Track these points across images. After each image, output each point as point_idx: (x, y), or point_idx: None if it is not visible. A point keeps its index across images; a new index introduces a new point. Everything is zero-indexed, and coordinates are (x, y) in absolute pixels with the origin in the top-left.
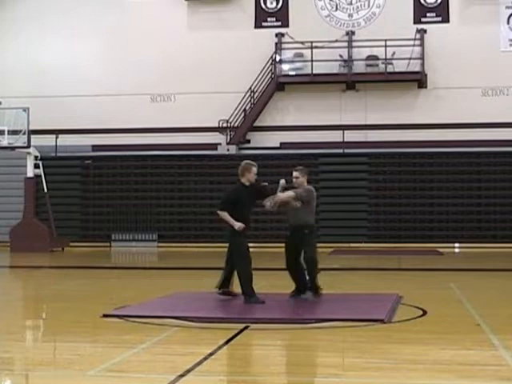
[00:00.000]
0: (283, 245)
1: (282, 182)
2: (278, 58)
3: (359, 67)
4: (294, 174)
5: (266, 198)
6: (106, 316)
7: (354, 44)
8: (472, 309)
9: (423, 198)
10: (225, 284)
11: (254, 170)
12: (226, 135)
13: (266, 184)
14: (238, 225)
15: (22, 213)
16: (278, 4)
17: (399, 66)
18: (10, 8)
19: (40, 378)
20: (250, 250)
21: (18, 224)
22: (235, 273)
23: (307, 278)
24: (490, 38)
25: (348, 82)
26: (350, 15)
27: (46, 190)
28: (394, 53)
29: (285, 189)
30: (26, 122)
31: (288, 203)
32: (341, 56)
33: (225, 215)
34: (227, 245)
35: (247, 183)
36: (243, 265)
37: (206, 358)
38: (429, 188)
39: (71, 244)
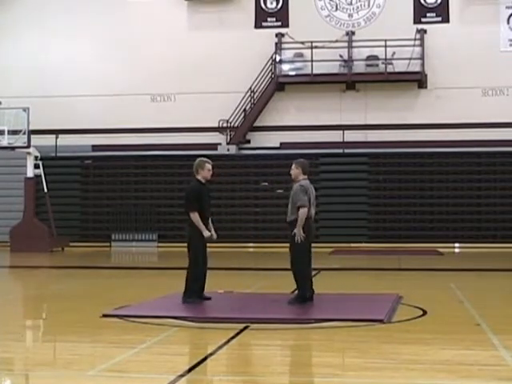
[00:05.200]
0: (282, 245)
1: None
2: (278, 58)
3: (359, 67)
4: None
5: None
6: (105, 316)
7: (354, 44)
8: (472, 309)
9: (423, 198)
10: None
11: (208, 166)
12: (226, 135)
13: (266, 184)
14: (207, 233)
15: (22, 213)
16: (277, 4)
17: (399, 66)
18: (10, 8)
19: (40, 378)
20: (251, 250)
21: (17, 224)
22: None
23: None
24: (490, 38)
25: (348, 81)
26: (350, 15)
27: (46, 190)
28: (394, 53)
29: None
30: (26, 121)
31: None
32: (341, 56)
33: (196, 217)
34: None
35: (203, 180)
36: (195, 268)
37: (205, 358)
38: (429, 188)
39: (71, 244)
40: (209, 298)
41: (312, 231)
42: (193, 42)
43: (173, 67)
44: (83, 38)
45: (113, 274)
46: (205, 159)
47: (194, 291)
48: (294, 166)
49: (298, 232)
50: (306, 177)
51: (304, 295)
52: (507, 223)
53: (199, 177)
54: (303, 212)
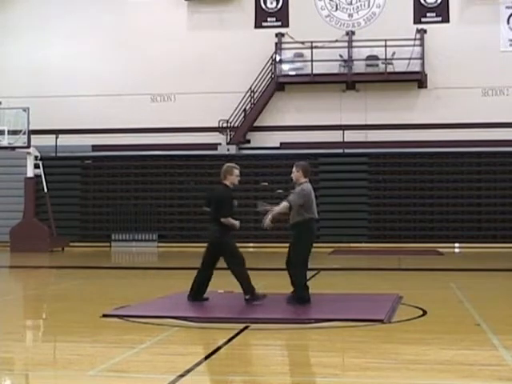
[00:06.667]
0: (283, 245)
1: (260, 207)
2: (278, 58)
3: (359, 67)
4: (292, 170)
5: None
6: (105, 316)
7: (354, 44)
8: (472, 309)
9: (423, 198)
10: (201, 292)
11: (236, 171)
12: (226, 135)
13: (266, 184)
14: (238, 223)
15: (22, 213)
16: (277, 4)
17: (399, 66)
18: (10, 8)
19: (40, 378)
20: (251, 250)
21: (17, 224)
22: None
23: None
24: (490, 38)
25: (348, 82)
26: (350, 15)
27: (45, 190)
28: (394, 53)
29: (265, 212)
30: (26, 121)
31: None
32: (341, 56)
33: (229, 220)
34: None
35: (231, 186)
36: (239, 265)
37: (206, 358)
38: (429, 188)
39: (71, 244)
40: (206, 299)
41: (314, 233)
42: (193, 41)
43: (173, 67)
44: (83, 38)
45: (113, 274)
46: (233, 165)
47: (253, 288)
48: (295, 169)
49: (269, 218)
50: (307, 180)
51: (303, 296)
52: (507, 223)
53: (227, 182)
54: (284, 206)
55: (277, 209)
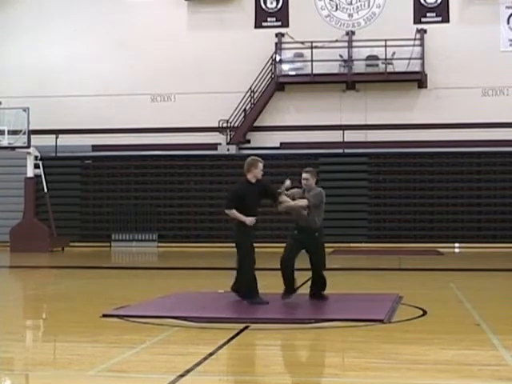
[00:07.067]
0: (283, 245)
1: (288, 183)
2: (278, 58)
3: (359, 67)
4: (304, 175)
5: (271, 196)
6: (105, 316)
7: (354, 44)
8: (472, 309)
9: (423, 198)
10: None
11: (260, 165)
12: (226, 135)
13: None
14: (249, 219)
15: (22, 213)
16: (277, 4)
17: (399, 66)
18: (10, 8)
19: (40, 378)
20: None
21: (17, 224)
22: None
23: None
24: (490, 38)
25: (348, 82)
26: (350, 15)
27: (45, 190)
28: (394, 53)
29: (289, 189)
30: (26, 121)
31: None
32: (341, 56)
33: (233, 213)
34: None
35: (253, 180)
36: (247, 266)
37: (205, 358)
38: (429, 188)
39: (71, 244)
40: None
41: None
42: (193, 41)
43: (173, 67)
44: (83, 38)
45: (113, 274)
46: (257, 158)
47: (256, 290)
48: (308, 176)
49: (287, 205)
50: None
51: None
52: (507, 223)
53: (250, 176)
54: (305, 202)
55: (299, 203)
